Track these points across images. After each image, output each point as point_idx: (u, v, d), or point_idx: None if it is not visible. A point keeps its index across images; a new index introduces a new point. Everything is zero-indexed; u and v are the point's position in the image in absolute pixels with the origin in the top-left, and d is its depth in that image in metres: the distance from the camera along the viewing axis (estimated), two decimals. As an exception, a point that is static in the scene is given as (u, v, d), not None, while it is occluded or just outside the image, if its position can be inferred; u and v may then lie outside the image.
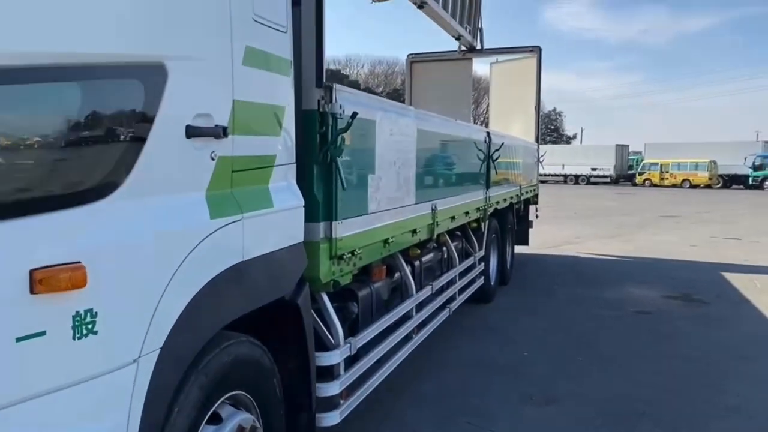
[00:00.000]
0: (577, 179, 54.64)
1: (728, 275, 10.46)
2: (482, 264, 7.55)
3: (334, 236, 3.37)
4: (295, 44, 3.07)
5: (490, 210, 7.84)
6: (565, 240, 14.97)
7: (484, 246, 7.76)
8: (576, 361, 5.97)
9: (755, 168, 45.81)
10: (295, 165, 3.04)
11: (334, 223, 3.37)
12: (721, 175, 48.28)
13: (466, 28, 12.20)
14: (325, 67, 3.25)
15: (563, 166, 55.28)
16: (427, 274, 5.74)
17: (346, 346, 3.57)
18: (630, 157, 58.24)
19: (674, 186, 47.89)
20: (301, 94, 3.19)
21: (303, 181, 3.19)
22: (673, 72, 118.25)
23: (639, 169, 52.41)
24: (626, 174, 55.12)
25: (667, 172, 49.60)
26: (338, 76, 74.41)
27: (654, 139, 56.82)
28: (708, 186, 47.13)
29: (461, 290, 6.65)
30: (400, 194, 4.47)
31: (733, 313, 7.97)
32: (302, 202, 3.04)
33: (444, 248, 6.35)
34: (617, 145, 54.50)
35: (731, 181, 48.07)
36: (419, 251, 5.23)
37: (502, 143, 7.62)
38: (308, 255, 3.19)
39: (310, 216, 3.20)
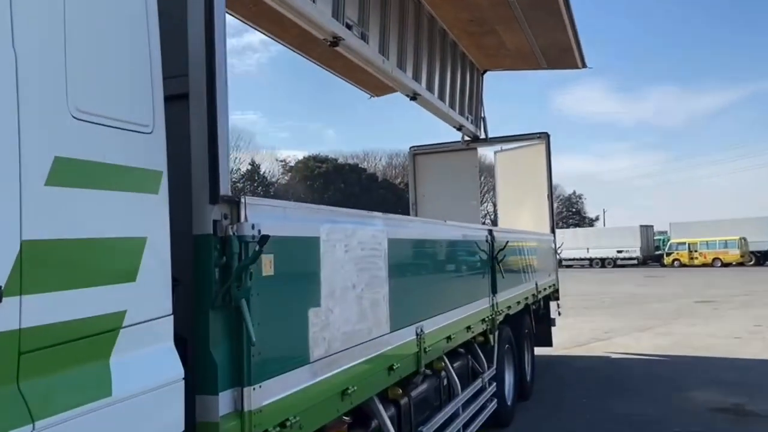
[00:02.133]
0: (603, 263, 52.99)
1: (783, 376, 9.10)
2: (493, 384, 6.41)
3: (246, 409, 2.39)
4: (177, 148, 2.23)
5: (500, 318, 6.79)
6: (594, 336, 13.65)
7: (496, 361, 6.65)
8: None
9: (789, 243, 44.02)
10: (171, 318, 2.12)
11: (246, 389, 2.39)
12: (752, 252, 46.47)
13: (467, 118, 11.59)
14: (225, 175, 2.39)
15: (588, 249, 53.93)
16: (419, 412, 4.66)
17: None
18: (656, 237, 56.72)
19: (705, 265, 46.10)
20: (191, 214, 2.33)
21: (195, 336, 2.27)
22: (692, 149, 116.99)
23: (666, 250, 50.84)
24: (653, 255, 53.43)
25: (695, 251, 47.99)
26: (357, 171, 75.46)
27: (678, 217, 55.32)
28: (740, 264, 45.27)
29: (467, 424, 5.50)
30: (366, 325, 3.50)
31: (800, 431, 6.64)
32: (181, 373, 2.09)
33: (443, 373, 5.29)
34: (641, 225, 53.13)
35: (764, 257, 46.18)
36: (401, 391, 4.18)
37: (507, 241, 6.67)
38: (203, 444, 2.23)
39: (205, 386, 2.26)
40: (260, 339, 2.48)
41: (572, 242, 55.29)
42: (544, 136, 11.69)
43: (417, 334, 4.29)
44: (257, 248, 2.30)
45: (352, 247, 3.39)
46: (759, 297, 21.63)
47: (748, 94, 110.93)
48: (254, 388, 2.43)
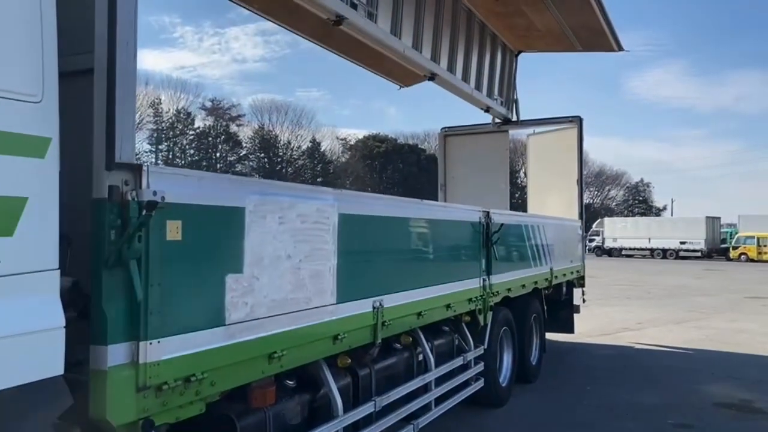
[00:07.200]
0: (664, 253, 51.20)
1: (809, 376, 8.72)
2: (480, 364, 6.46)
3: (142, 361, 2.59)
4: (74, 117, 2.44)
5: (496, 299, 6.82)
6: (625, 326, 13.39)
7: (487, 341, 6.69)
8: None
9: None
10: (56, 272, 2.33)
11: (142, 344, 2.60)
12: (828, 249, 43.98)
13: (496, 100, 11.48)
14: (128, 144, 2.58)
15: (649, 239, 52.29)
16: (384, 384, 4.80)
17: None
18: (723, 230, 54.32)
19: (774, 261, 43.97)
20: (92, 179, 2.54)
21: (92, 291, 2.50)
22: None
23: (733, 243, 48.69)
24: (719, 248, 51.21)
25: (765, 246, 45.75)
26: (416, 151, 75.26)
27: (754, 212, 52.53)
28: (814, 261, 42.94)
29: (441, 399, 5.60)
30: (304, 294, 3.65)
31: (802, 431, 6.41)
32: (61, 322, 2.30)
33: (418, 349, 5.40)
34: (707, 217, 50.95)
35: (841, 255, 43.66)
36: (350, 360, 4.32)
37: (502, 224, 6.66)
38: (94, 389, 2.46)
39: (97, 337, 2.48)
40: (161, 299, 2.68)
41: (633, 232, 53.74)
42: (577, 120, 11.46)
43: (374, 308, 4.41)
44: (143, 213, 2.48)
45: (288, 220, 3.54)
46: (819, 296, 20.55)
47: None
48: (151, 343, 2.63)
